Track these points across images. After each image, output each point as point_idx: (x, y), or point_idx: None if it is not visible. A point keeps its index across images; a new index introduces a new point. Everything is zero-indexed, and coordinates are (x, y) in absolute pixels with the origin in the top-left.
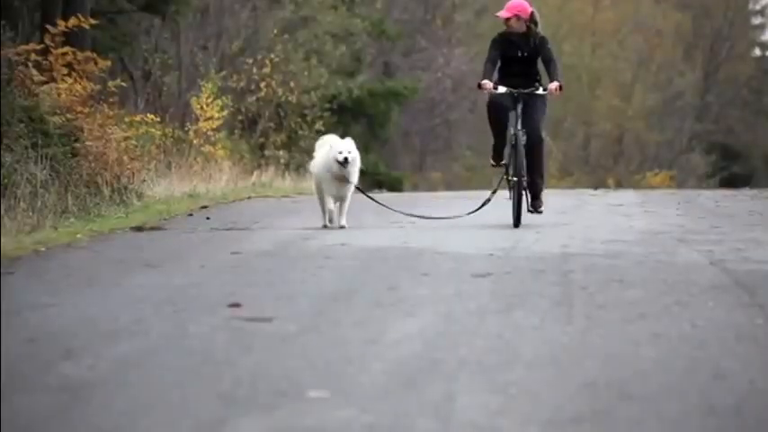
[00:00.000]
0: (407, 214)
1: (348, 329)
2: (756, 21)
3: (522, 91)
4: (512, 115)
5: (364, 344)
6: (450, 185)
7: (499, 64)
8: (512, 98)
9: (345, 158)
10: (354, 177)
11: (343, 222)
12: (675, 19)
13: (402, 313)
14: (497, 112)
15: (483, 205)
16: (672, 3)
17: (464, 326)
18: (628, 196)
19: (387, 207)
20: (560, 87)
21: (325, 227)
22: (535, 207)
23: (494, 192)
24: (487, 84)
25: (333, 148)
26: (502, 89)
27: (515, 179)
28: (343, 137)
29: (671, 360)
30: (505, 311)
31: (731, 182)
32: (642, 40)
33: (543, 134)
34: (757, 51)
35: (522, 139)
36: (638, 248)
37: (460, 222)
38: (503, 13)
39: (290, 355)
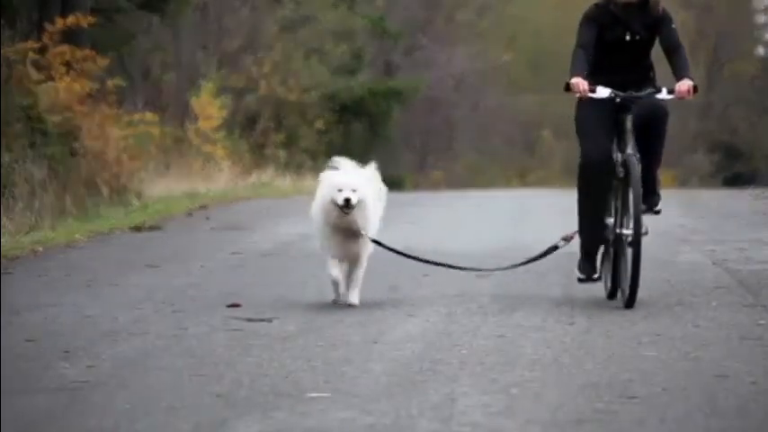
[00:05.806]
0: (457, 268)
1: (349, 330)
2: (760, 19)
3: (633, 94)
4: (611, 129)
5: (365, 344)
6: (451, 185)
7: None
8: (616, 108)
9: (347, 200)
10: (369, 226)
11: (354, 298)
12: (679, 17)
13: (403, 314)
14: (598, 169)
15: (547, 253)
16: (674, 1)
17: (465, 326)
18: None
19: (429, 262)
20: (695, 88)
21: (334, 302)
22: (652, 205)
23: (568, 239)
24: (581, 84)
25: (328, 183)
26: (603, 92)
27: (630, 234)
28: (344, 137)
29: (673, 360)
30: (507, 312)
31: (735, 181)
32: None
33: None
34: (761, 50)
35: (638, 167)
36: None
37: (461, 223)
38: None
39: (290, 356)
